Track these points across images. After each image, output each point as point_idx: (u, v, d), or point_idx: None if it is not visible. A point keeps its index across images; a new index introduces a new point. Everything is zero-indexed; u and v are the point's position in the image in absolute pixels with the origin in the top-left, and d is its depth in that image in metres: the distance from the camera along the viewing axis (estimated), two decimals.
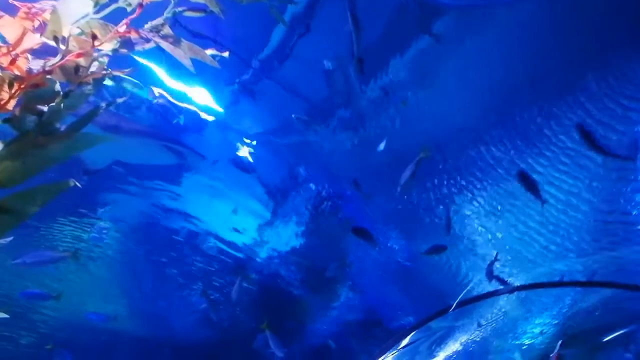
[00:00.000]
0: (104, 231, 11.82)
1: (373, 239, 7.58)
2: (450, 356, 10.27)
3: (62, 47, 2.65)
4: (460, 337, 10.29)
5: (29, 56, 2.63)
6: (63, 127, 2.61)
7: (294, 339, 11.83)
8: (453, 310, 7.69)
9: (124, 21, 2.92)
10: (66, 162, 8.61)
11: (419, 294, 9.72)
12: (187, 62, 3.40)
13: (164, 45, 3.17)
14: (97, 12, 2.79)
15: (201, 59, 3.31)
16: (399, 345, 7.91)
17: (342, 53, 7.20)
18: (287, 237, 10.67)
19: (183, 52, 3.22)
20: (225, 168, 9.68)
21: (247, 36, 8.04)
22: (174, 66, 8.60)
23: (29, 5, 2.71)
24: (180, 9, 3.24)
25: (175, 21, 7.98)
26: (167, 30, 3.13)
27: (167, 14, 3.21)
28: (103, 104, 2.84)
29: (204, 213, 10.73)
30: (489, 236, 7.87)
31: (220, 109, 9.09)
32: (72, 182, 2.48)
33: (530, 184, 6.30)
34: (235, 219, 10.75)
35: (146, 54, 8.31)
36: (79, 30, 2.77)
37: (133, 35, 2.91)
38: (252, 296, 11.93)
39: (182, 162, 8.94)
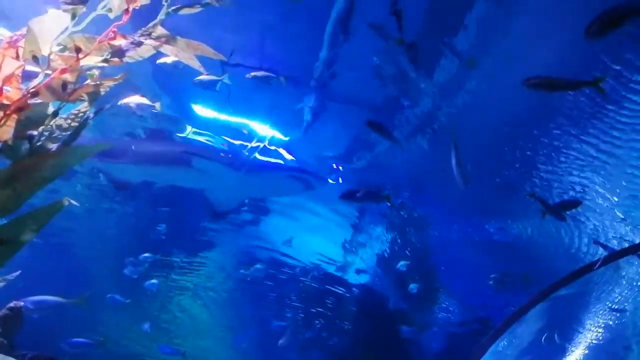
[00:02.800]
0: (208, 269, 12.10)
1: (390, 133, 6.61)
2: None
3: (43, 66, 2.49)
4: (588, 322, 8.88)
5: (18, 82, 2.48)
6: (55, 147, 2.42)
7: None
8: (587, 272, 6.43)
9: (110, 29, 2.72)
10: (194, 205, 8.74)
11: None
12: (194, 64, 3.16)
13: (162, 48, 2.95)
14: (77, 24, 2.62)
15: (202, 53, 3.04)
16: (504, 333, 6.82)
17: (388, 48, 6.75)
18: (373, 250, 10.14)
19: (181, 50, 2.97)
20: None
21: (294, 62, 7.91)
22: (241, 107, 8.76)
23: (10, 35, 2.60)
24: (173, 8, 3.02)
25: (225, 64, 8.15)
26: (160, 31, 2.91)
27: (161, 15, 3.01)
28: (91, 114, 2.62)
29: (294, 239, 10.58)
30: (597, 201, 6.73)
31: (285, 138, 9.02)
32: (67, 201, 2.24)
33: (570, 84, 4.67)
34: (322, 243, 10.50)
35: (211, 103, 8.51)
36: (61, 47, 2.61)
37: (120, 41, 2.70)
38: (352, 316, 11.43)
39: (308, 189, 8.74)
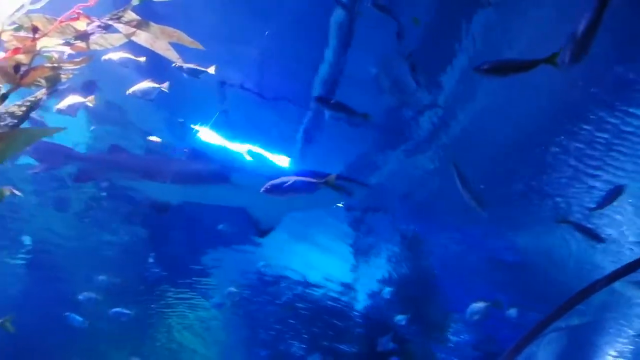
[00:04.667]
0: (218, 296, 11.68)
1: (345, 107, 6.04)
2: None
3: None
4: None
5: None
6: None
7: None
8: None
9: (73, 9, 2.47)
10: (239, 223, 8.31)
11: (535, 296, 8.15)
12: (171, 55, 2.90)
13: (135, 36, 2.70)
14: (34, 2, 2.37)
15: (178, 41, 2.78)
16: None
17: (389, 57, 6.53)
18: (377, 275, 9.75)
19: (155, 38, 2.71)
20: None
21: (292, 81, 7.69)
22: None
23: None
24: None
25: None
26: (130, 15, 2.65)
27: (136, 1, 2.76)
28: (42, 97, 2.33)
29: (293, 260, 10.22)
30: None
31: (287, 160, 8.73)
32: (8, 191, 1.94)
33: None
34: (325, 265, 10.14)
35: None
36: (16, 26, 2.35)
37: (83, 22, 2.44)
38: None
39: (348, 197, 7.97)
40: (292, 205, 8.49)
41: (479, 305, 8.04)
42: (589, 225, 6.78)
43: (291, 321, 11.58)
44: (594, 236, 6.51)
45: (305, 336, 11.86)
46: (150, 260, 10.57)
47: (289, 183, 5.63)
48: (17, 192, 2.02)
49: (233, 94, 7.85)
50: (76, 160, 8.54)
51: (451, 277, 9.27)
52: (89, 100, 5.76)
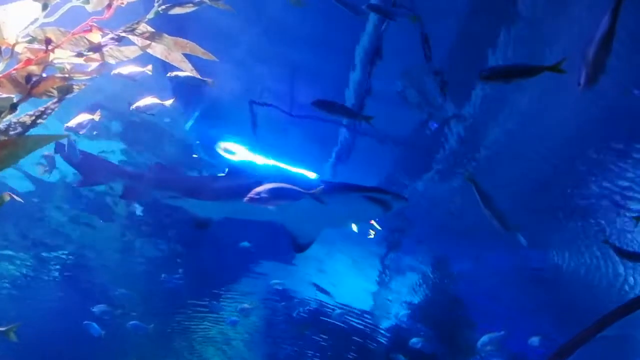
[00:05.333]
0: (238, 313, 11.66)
1: (346, 109, 5.88)
2: None
3: (6, 56, 2.27)
4: None
5: None
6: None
7: None
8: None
9: (87, 22, 2.50)
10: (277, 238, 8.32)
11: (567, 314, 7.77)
12: (186, 66, 2.90)
13: (150, 48, 2.71)
14: (48, 15, 2.41)
15: (190, 52, 2.78)
16: None
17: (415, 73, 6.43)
18: (401, 295, 9.53)
19: (169, 49, 2.72)
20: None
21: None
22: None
23: None
24: (164, 7, 2.80)
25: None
26: (144, 27, 2.67)
27: (151, 15, 2.79)
28: (53, 106, 2.35)
29: (318, 277, 10.12)
30: None
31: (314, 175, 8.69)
32: (8, 196, 1.93)
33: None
34: (349, 284, 10.02)
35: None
36: (30, 38, 2.39)
37: (96, 34, 2.46)
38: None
39: (387, 211, 7.59)
40: (331, 219, 8.28)
41: (491, 335, 7.79)
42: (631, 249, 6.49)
43: (315, 338, 11.50)
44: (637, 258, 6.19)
45: (329, 353, 11.74)
46: (177, 272, 10.66)
47: (272, 190, 5.44)
48: (17, 198, 2.02)
49: (265, 111, 7.91)
50: (121, 177, 8.62)
51: (478, 298, 9.01)
52: (96, 115, 5.89)
